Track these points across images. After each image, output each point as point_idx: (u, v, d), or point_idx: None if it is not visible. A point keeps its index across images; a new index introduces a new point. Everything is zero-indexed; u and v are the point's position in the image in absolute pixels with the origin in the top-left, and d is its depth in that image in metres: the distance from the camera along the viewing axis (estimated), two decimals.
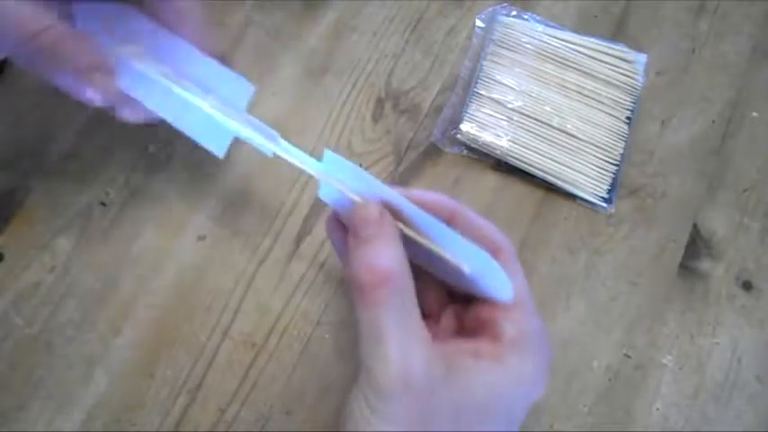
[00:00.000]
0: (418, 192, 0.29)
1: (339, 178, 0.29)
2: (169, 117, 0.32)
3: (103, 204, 0.39)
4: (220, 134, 0.32)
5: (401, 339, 0.25)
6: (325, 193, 0.30)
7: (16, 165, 0.39)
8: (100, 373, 0.36)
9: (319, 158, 0.30)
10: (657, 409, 0.38)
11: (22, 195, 0.39)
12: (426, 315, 0.29)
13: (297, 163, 0.30)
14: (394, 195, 0.28)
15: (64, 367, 0.36)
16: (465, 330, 0.30)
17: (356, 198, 0.28)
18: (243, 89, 0.32)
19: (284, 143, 0.31)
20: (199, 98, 0.31)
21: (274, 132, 0.31)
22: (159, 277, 0.38)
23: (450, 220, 0.28)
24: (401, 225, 0.28)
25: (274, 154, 0.31)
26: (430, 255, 0.28)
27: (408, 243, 0.28)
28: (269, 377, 0.37)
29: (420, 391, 0.24)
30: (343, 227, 0.30)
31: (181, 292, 0.38)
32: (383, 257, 0.26)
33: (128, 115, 0.32)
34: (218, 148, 0.32)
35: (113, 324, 0.37)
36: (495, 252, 0.28)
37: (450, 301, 0.32)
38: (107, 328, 0.37)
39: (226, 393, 0.36)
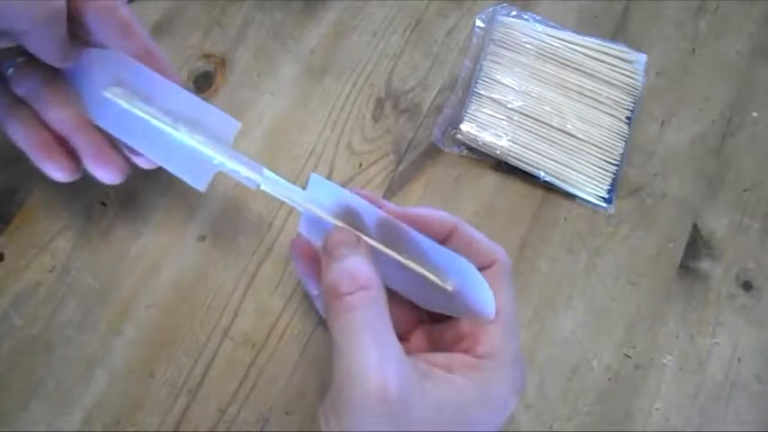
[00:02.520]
0: (416, 209, 0.29)
1: (324, 205, 0.30)
2: (150, 153, 0.33)
3: (103, 204, 0.39)
4: (203, 169, 0.32)
5: (378, 348, 0.24)
6: (305, 226, 0.31)
7: (16, 165, 0.39)
8: (100, 373, 0.36)
9: (308, 177, 0.31)
10: (657, 409, 0.38)
11: (22, 195, 0.39)
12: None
13: (280, 197, 0.31)
14: (382, 217, 0.28)
15: (64, 367, 0.36)
16: (437, 349, 0.29)
17: (338, 224, 0.29)
18: (228, 126, 0.32)
19: (269, 174, 0.32)
20: (185, 134, 0.32)
21: (259, 165, 0.32)
22: (159, 277, 0.38)
23: (448, 236, 0.28)
24: (385, 248, 0.28)
25: (259, 187, 0.32)
26: (413, 278, 0.29)
27: (390, 267, 0.28)
28: (269, 377, 0.37)
29: (395, 404, 0.24)
30: (309, 253, 0.30)
31: (181, 292, 0.38)
32: (360, 269, 0.26)
33: (100, 173, 0.33)
34: (199, 182, 0.32)
35: (113, 324, 0.37)
36: (489, 266, 0.28)
37: (420, 323, 0.31)
38: (107, 328, 0.37)
39: (226, 393, 0.36)
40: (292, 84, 0.43)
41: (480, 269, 0.28)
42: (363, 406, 0.24)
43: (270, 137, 0.42)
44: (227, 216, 0.40)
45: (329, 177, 0.41)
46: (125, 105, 0.32)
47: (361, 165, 0.41)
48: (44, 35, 0.29)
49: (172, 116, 0.32)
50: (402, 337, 0.31)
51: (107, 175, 0.33)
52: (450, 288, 0.28)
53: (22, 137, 0.32)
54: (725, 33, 0.47)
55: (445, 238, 0.28)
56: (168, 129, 0.32)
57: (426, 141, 0.42)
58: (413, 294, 0.30)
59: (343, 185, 0.40)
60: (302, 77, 0.43)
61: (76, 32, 0.31)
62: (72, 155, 0.32)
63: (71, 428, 0.35)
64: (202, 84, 0.42)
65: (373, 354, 0.24)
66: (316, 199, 0.30)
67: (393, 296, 0.30)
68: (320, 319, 0.38)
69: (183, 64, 0.43)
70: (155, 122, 0.32)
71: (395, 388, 0.24)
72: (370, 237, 0.29)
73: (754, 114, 0.45)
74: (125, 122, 0.33)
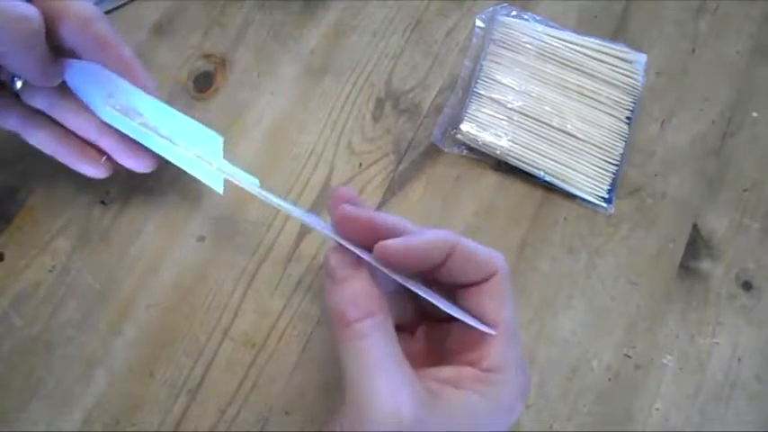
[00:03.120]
0: (408, 242, 0.27)
1: (320, 223, 0.30)
2: (167, 156, 0.34)
3: (104, 204, 0.39)
4: (213, 173, 0.33)
5: (389, 375, 0.25)
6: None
7: (17, 165, 0.39)
8: (100, 373, 0.36)
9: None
10: (657, 409, 0.38)
11: (22, 195, 0.39)
12: (400, 329, 0.29)
13: (281, 205, 0.31)
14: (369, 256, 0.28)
15: (64, 367, 0.36)
16: (442, 350, 0.30)
17: (336, 240, 0.28)
18: (213, 141, 0.32)
19: (262, 192, 0.31)
20: (182, 149, 0.33)
21: (254, 180, 0.32)
22: (159, 277, 0.38)
23: (449, 255, 0.28)
24: (384, 269, 0.28)
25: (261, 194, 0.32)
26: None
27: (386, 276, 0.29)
28: (269, 377, 0.37)
29: (409, 426, 0.24)
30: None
31: (181, 292, 0.38)
32: (365, 293, 0.26)
33: (132, 165, 0.35)
34: (216, 185, 0.33)
35: (113, 324, 0.37)
36: (491, 275, 0.28)
37: (423, 319, 0.32)
38: (107, 328, 0.37)
39: (226, 393, 0.36)
40: (292, 84, 0.43)
41: (482, 281, 0.28)
42: (379, 427, 0.24)
43: (270, 137, 0.42)
44: (226, 217, 0.40)
45: (329, 177, 0.41)
46: (127, 119, 0.33)
47: (361, 165, 0.41)
48: (23, 55, 0.29)
49: (164, 131, 0.33)
50: (406, 332, 0.31)
51: (142, 165, 0.35)
52: (450, 312, 0.28)
53: (49, 144, 0.34)
54: (725, 33, 0.47)
55: (446, 258, 0.28)
56: (168, 143, 0.33)
57: (426, 141, 0.42)
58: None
59: (343, 186, 0.41)
60: (302, 77, 0.43)
61: (54, 48, 0.31)
62: (101, 152, 0.34)
63: (71, 428, 0.35)
64: (202, 84, 0.42)
65: (385, 381, 0.25)
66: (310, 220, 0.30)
67: (396, 293, 0.30)
68: (320, 319, 0.38)
69: (183, 64, 0.43)
70: (157, 137, 0.33)
71: (408, 412, 0.24)
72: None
73: (754, 114, 0.45)
74: (135, 130, 0.34)
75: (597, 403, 0.38)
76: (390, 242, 0.27)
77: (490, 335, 0.28)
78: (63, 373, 0.36)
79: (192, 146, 0.33)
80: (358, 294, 0.26)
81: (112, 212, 0.39)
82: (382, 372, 0.25)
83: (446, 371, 0.28)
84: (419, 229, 0.28)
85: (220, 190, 0.33)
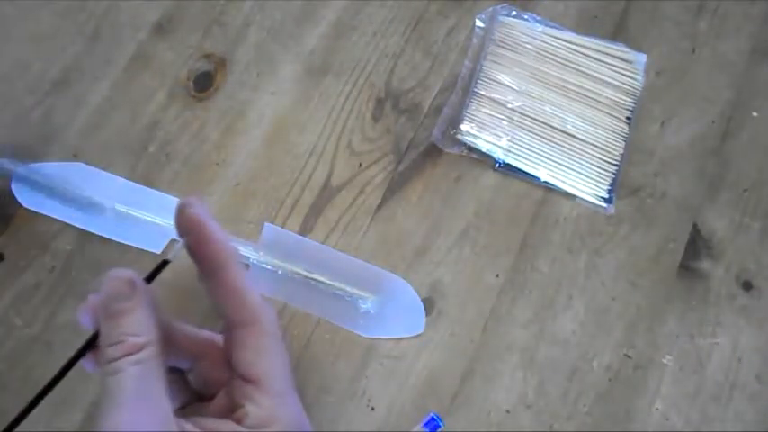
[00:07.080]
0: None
1: (279, 249, 0.36)
2: (98, 230, 0.38)
3: None
4: (158, 236, 0.38)
5: (134, 410, 0.24)
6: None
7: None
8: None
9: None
10: (657, 409, 0.38)
11: None
12: (209, 397, 0.28)
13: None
14: (325, 249, 0.33)
15: None
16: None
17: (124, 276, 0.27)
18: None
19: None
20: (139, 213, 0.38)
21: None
22: (159, 278, 0.38)
23: (220, 276, 0.27)
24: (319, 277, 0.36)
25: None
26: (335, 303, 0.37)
27: (318, 296, 0.37)
28: None
29: None
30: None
31: (181, 292, 0.38)
32: (130, 329, 0.25)
33: None
34: (155, 247, 0.38)
35: None
36: (247, 325, 0.26)
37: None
38: None
39: None
40: (292, 84, 0.43)
41: (241, 326, 0.27)
42: None
43: (270, 137, 0.42)
44: (226, 216, 0.40)
45: (329, 177, 0.41)
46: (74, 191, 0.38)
47: (361, 165, 0.41)
48: None
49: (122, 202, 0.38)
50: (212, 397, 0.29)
51: None
52: (365, 306, 0.35)
53: None
54: (725, 33, 0.47)
55: (210, 272, 0.27)
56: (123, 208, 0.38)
57: (426, 141, 0.42)
58: (338, 318, 0.37)
59: (343, 185, 0.41)
60: (302, 77, 0.43)
61: None
62: None
63: (71, 428, 0.35)
64: (202, 84, 0.42)
65: (128, 415, 0.24)
66: (269, 245, 0.35)
67: (208, 356, 0.29)
68: (320, 319, 0.38)
69: (183, 64, 0.43)
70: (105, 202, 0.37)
71: None
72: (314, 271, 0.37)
73: (754, 114, 0.45)
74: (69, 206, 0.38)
75: (597, 403, 0.38)
76: (199, 206, 0.27)
77: (257, 388, 0.26)
78: None
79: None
80: (122, 331, 0.25)
81: None
82: (126, 406, 0.24)
83: (210, 422, 0.26)
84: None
85: (159, 250, 0.38)
